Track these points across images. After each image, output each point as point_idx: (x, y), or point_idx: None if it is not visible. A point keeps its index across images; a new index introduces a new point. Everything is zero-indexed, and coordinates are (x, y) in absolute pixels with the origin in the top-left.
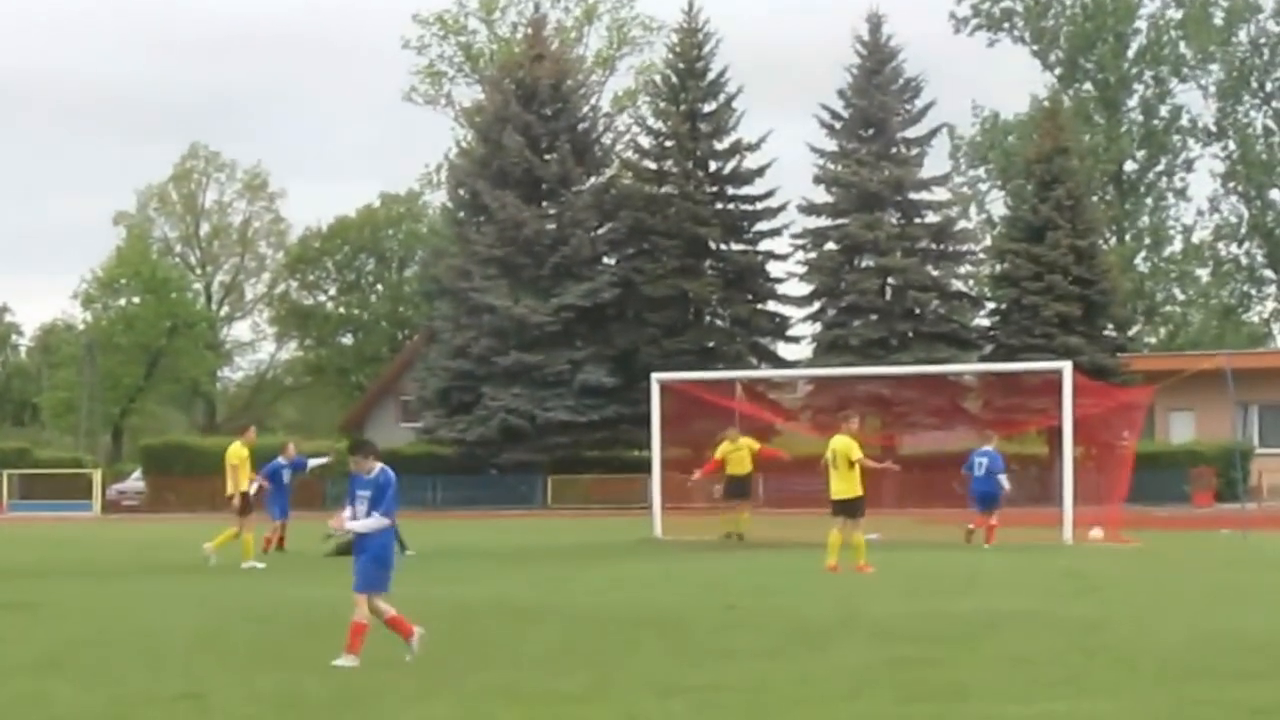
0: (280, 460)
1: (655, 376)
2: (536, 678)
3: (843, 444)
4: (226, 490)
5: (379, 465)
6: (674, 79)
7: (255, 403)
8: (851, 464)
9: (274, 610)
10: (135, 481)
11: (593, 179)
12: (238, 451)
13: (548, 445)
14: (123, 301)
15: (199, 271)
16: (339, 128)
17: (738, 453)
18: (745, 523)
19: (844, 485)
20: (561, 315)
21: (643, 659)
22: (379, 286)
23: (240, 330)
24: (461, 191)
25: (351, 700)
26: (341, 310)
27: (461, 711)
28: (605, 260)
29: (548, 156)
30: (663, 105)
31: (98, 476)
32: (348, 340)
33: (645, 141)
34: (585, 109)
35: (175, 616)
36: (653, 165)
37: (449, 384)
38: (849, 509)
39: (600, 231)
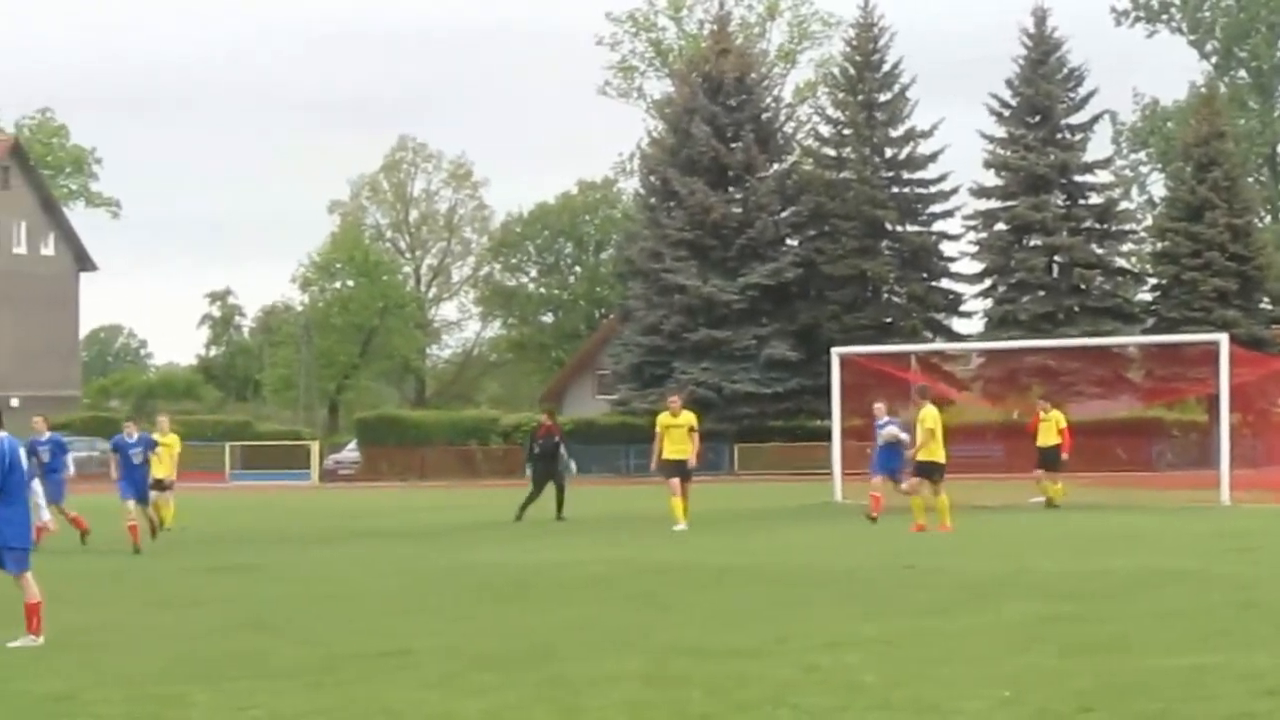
0: (124, 437)
1: (835, 350)
2: (720, 633)
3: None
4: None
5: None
6: (851, 71)
7: (462, 378)
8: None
9: (469, 573)
10: (350, 452)
11: (776, 165)
12: (663, 420)
13: (735, 415)
14: (338, 284)
15: (408, 256)
16: (538, 120)
17: (1045, 423)
18: (1056, 492)
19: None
20: (747, 294)
21: (821, 615)
22: (577, 268)
23: (447, 310)
24: (653, 178)
25: (545, 656)
26: (542, 291)
27: (650, 665)
28: (788, 242)
29: (733, 145)
30: (841, 96)
31: (315, 447)
32: (548, 319)
33: (825, 130)
34: (768, 100)
35: (382, 579)
36: (832, 152)
37: (642, 359)
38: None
39: (783, 215)
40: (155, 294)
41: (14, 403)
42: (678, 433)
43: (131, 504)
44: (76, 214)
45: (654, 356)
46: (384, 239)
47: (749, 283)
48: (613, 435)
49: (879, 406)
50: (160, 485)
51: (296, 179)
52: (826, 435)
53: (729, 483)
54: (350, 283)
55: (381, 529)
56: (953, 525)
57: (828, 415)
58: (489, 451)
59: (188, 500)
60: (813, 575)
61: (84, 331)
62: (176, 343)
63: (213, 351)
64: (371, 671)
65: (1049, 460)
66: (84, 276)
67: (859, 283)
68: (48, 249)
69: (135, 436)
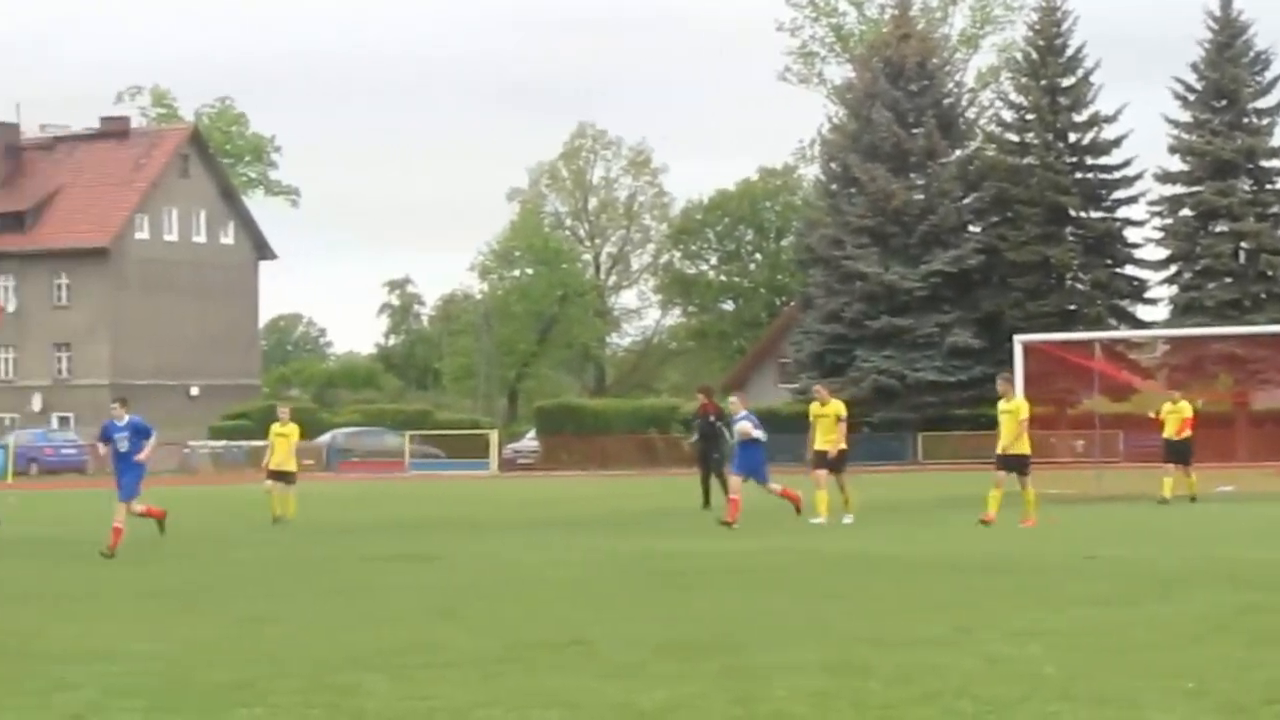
0: (112, 422)
1: (1018, 338)
2: (900, 623)
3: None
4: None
5: None
6: (1034, 55)
7: (642, 366)
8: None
9: (648, 561)
10: (529, 441)
11: (958, 151)
12: (813, 410)
13: (918, 404)
14: (517, 272)
15: (588, 243)
16: (718, 106)
17: (1174, 415)
18: (1167, 486)
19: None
20: (930, 281)
21: (1002, 605)
22: (757, 255)
23: (627, 298)
24: (834, 165)
25: (727, 644)
26: (722, 278)
27: (832, 656)
28: (970, 228)
29: (915, 131)
30: (1024, 81)
31: (494, 436)
32: (728, 306)
33: (1007, 115)
34: (950, 85)
35: (561, 567)
36: (1014, 138)
37: (824, 347)
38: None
39: (965, 201)
40: (334, 282)
41: (194, 391)
42: (825, 422)
43: (123, 506)
44: (255, 202)
45: (835, 345)
46: (563, 227)
47: (931, 270)
48: (795, 424)
49: (734, 400)
50: (281, 476)
51: (475, 166)
52: None
53: (913, 471)
54: (529, 271)
55: (561, 518)
56: (1037, 520)
57: None
58: (670, 440)
59: (369, 490)
60: (994, 565)
61: (263, 320)
62: (356, 331)
63: (392, 340)
64: (550, 661)
65: (1180, 453)
66: (263, 265)
67: (1042, 270)
68: (227, 238)
69: (125, 420)
